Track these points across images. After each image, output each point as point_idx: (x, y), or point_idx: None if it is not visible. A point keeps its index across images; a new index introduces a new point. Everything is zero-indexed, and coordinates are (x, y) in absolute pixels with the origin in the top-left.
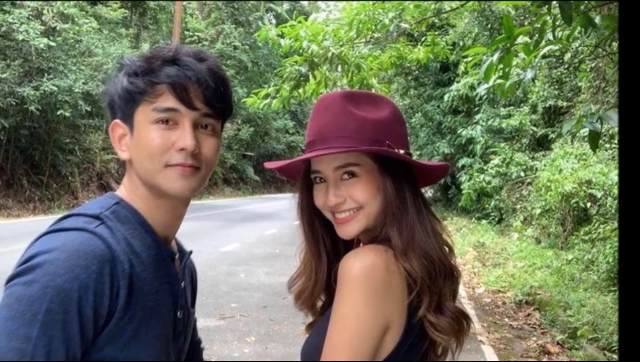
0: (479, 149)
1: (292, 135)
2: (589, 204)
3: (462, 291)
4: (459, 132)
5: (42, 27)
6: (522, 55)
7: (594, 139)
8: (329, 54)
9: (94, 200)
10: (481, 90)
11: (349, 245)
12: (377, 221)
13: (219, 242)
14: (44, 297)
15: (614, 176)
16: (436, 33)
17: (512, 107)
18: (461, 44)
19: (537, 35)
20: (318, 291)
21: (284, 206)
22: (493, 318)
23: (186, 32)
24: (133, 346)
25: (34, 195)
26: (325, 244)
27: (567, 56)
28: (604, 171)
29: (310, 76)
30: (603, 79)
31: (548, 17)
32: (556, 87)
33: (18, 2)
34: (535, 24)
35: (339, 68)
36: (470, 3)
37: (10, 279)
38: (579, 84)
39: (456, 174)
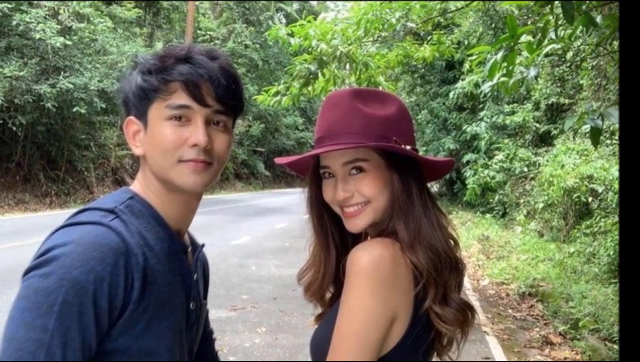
0: (483, 145)
1: (301, 131)
2: (590, 199)
3: (467, 283)
4: (464, 128)
5: (59, 27)
6: (525, 53)
7: (595, 135)
8: (338, 53)
9: (109, 194)
10: (485, 87)
11: (357, 238)
12: (385, 215)
13: (231, 235)
14: (60, 289)
15: (614, 171)
16: (442, 32)
17: (515, 104)
18: (466, 42)
19: (539, 34)
20: (327, 283)
21: (293, 200)
22: (497, 309)
23: (198, 31)
24: (147, 337)
25: (50, 189)
26: (334, 237)
27: (569, 55)
28: (605, 166)
29: (319, 74)
30: (604, 76)
31: (550, 17)
32: (558, 84)
33: (35, 2)
34: (538, 23)
35: (347, 66)
36: (475, 3)
37: (28, 272)
38: (581, 82)
39: (461, 169)
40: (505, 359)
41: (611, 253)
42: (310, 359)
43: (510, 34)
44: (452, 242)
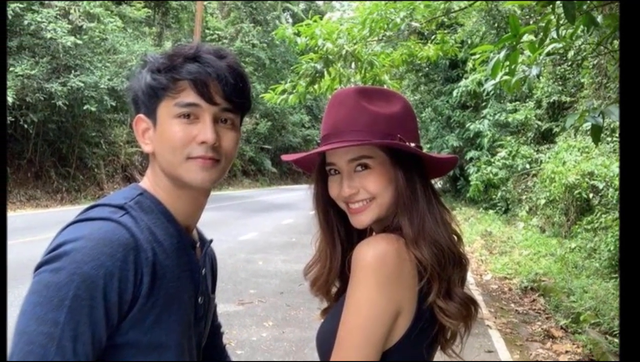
0: (486, 142)
1: (307, 129)
2: (591, 195)
3: (470, 277)
4: (467, 126)
5: (69, 26)
6: (527, 52)
7: (596, 132)
8: (343, 52)
9: (119, 191)
10: (488, 86)
11: (362, 234)
12: (389, 211)
13: (238, 231)
14: (71, 284)
15: (615, 168)
16: (445, 31)
17: (517, 102)
18: (469, 42)
19: (541, 33)
20: (333, 278)
21: (300, 196)
22: (500, 304)
23: (207, 31)
24: (156, 330)
25: (61, 186)
26: (339, 233)
27: (571, 54)
28: (605, 163)
29: (325, 73)
30: (605, 75)
31: (552, 17)
32: (560, 83)
33: (46, 2)
34: (540, 22)
35: (353, 65)
36: (478, 3)
37: (39, 267)
38: (582, 80)
39: (464, 166)
40: (508, 353)
41: (612, 248)
42: (316, 353)
43: (512, 34)
44: (455, 237)
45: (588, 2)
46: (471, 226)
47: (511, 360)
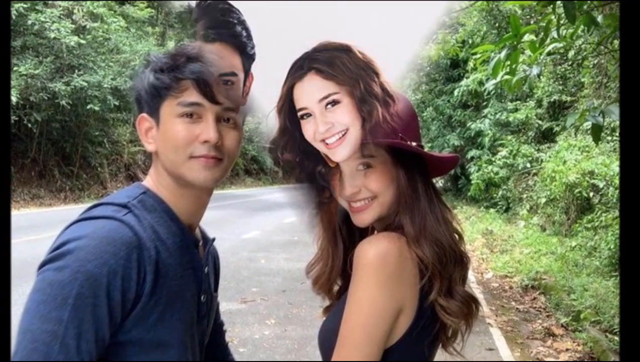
0: (487, 141)
1: None
2: (591, 194)
3: (471, 276)
4: (468, 125)
5: (73, 26)
6: (528, 52)
7: (597, 132)
8: None
9: (122, 190)
10: (489, 85)
11: (364, 232)
12: (391, 210)
13: (241, 229)
14: (74, 282)
15: (615, 167)
16: (447, 31)
17: (518, 102)
18: (470, 41)
19: (542, 33)
20: (334, 276)
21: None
22: (500, 302)
23: None
24: (159, 328)
25: (65, 185)
26: (341, 231)
27: (571, 53)
28: (605, 162)
29: None
30: (605, 75)
31: (553, 16)
32: (560, 82)
33: (50, 2)
34: (540, 22)
35: None
36: (479, 3)
37: (43, 265)
38: (582, 80)
39: (466, 165)
40: (509, 351)
41: (612, 247)
42: (318, 351)
43: (513, 33)
44: (456, 236)
45: (588, 2)
46: (472, 225)
47: (512, 359)
